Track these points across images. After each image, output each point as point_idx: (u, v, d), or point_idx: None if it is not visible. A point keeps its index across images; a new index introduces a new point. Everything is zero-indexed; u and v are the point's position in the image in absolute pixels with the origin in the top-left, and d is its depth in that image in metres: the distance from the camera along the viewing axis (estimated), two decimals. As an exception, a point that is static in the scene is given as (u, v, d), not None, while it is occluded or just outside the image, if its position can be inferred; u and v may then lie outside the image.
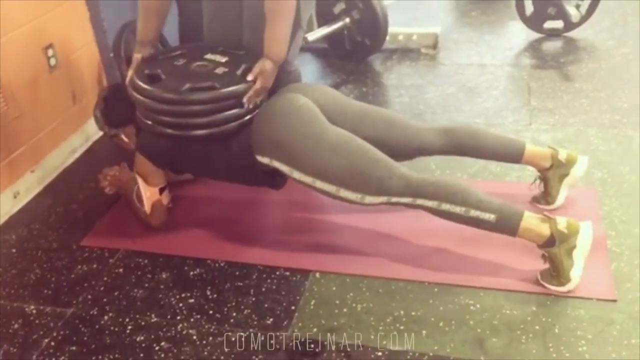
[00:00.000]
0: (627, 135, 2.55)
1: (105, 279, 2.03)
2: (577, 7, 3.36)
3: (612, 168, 2.34)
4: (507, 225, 1.80)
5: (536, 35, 3.55)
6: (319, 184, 1.90)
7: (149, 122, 2.03)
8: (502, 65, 3.28)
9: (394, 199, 1.87)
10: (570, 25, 3.48)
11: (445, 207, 1.82)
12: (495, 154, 2.14)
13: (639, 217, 2.08)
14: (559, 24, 3.51)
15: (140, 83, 1.99)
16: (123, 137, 2.24)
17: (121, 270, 2.06)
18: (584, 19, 3.43)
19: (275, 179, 2.09)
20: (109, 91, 2.28)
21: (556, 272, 1.78)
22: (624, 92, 2.89)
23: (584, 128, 2.63)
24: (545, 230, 1.77)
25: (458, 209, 1.81)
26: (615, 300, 1.76)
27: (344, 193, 1.89)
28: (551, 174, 2.10)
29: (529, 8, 3.52)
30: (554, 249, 1.76)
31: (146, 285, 1.98)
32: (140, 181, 2.13)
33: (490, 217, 1.79)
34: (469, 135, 2.13)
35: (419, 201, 1.85)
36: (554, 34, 3.54)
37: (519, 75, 3.16)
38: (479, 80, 3.13)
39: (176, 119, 1.98)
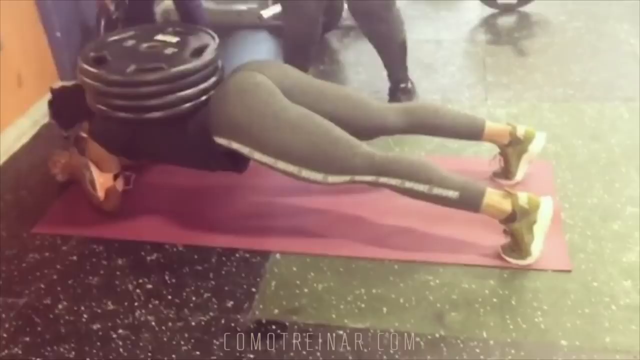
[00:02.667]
0: (580, 109, 2.59)
1: (58, 267, 1.97)
2: (530, -19, 3.39)
3: (565, 141, 2.39)
4: (470, 202, 1.81)
5: (491, 10, 3.57)
6: (281, 164, 1.87)
7: (101, 107, 1.97)
8: (458, 41, 3.29)
9: (357, 178, 1.86)
10: (523, 0, 3.51)
11: (409, 184, 1.82)
12: (456, 132, 2.15)
13: (591, 189, 2.13)
14: (513, -2, 3.54)
15: (86, 66, 1.93)
16: (83, 134, 2.16)
17: (75, 257, 2.00)
18: (537, -7, 3.47)
19: (237, 161, 2.04)
20: (53, 95, 2.24)
21: (517, 246, 1.81)
22: (576, 66, 2.94)
23: (538, 102, 2.67)
24: (507, 206, 1.79)
25: (421, 187, 1.81)
26: (569, 271, 1.80)
27: (307, 173, 1.86)
28: (510, 150, 2.12)
29: (484, -17, 3.53)
30: (515, 224, 1.79)
31: (101, 272, 1.93)
32: (93, 168, 2.07)
33: (453, 194, 1.80)
34: (430, 114, 2.13)
35: (382, 179, 1.84)
36: (508, 8, 3.56)
37: (475, 51, 3.18)
38: (435, 56, 3.14)
39: (126, 102, 1.93)
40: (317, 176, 1.86)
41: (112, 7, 2.75)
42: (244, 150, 1.89)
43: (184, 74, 1.90)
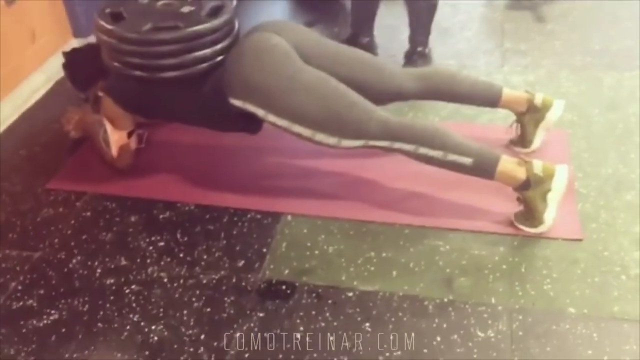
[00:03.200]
0: (597, 77, 2.55)
1: (72, 222, 1.99)
2: (553, -55, 3.29)
3: (581, 110, 2.36)
4: (484, 168, 1.80)
5: (511, -26, 3.49)
6: (295, 127, 1.86)
7: (116, 64, 1.96)
8: (476, 5, 3.23)
9: (372, 142, 1.85)
10: (545, -35, 3.42)
11: (423, 150, 1.81)
12: (473, 98, 2.12)
13: (606, 159, 2.11)
14: (534, -37, 3.45)
15: (102, 22, 1.92)
16: (99, 93, 2.15)
17: (88, 213, 2.02)
18: (559, -42, 3.38)
19: (251, 122, 2.03)
20: (66, 58, 2.25)
21: (530, 214, 1.81)
22: (596, 33, 2.88)
23: (555, 70, 2.63)
24: (521, 173, 1.78)
25: (436, 153, 1.80)
26: (580, 240, 1.80)
27: (321, 136, 1.85)
28: (527, 118, 2.10)
29: (505, -54, 3.44)
30: (529, 192, 1.78)
31: (114, 228, 1.96)
32: (107, 124, 2.07)
33: (467, 160, 1.79)
34: (446, 79, 2.10)
35: (397, 144, 1.83)
36: (528, -27, 3.48)
37: (493, 16, 3.12)
38: (452, 20, 3.08)
39: (141, 60, 1.92)
40: (331, 140, 1.85)
41: None
42: (259, 112, 1.88)
43: (200, 34, 1.88)
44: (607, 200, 1.93)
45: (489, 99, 2.11)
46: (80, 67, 2.24)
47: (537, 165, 1.78)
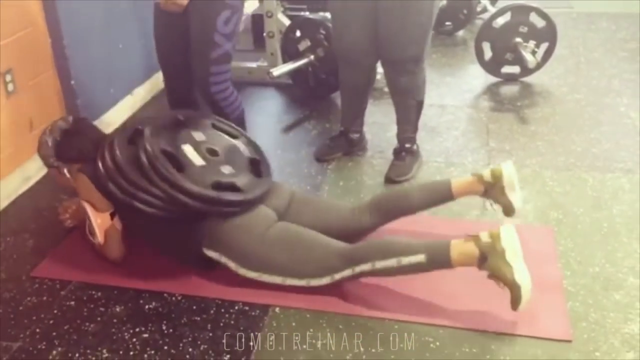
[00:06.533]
0: (581, 178, 2.63)
1: (55, 311, 1.95)
2: (533, 53, 3.49)
3: (567, 209, 2.40)
4: (439, 259, 1.83)
5: (494, 79, 3.67)
6: (265, 277, 1.96)
7: (112, 188, 2.00)
8: (462, 106, 3.37)
9: (337, 276, 1.92)
10: (526, 71, 3.60)
11: (379, 264, 1.86)
12: (428, 201, 2.19)
13: (593, 257, 2.13)
14: (515, 69, 3.64)
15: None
16: (65, 171, 2.17)
17: (72, 303, 1.98)
18: (540, 65, 3.57)
19: (211, 265, 2.06)
20: (71, 125, 2.23)
21: (504, 284, 1.78)
22: (577, 136, 2.99)
23: (540, 170, 2.70)
24: (473, 248, 1.80)
25: (390, 262, 1.85)
26: (570, 341, 1.78)
27: (291, 281, 1.95)
28: (492, 194, 2.16)
29: (488, 53, 3.64)
30: (490, 262, 1.78)
31: (98, 319, 1.91)
32: (88, 208, 2.04)
33: (421, 257, 1.82)
34: (395, 199, 2.20)
35: (357, 269, 1.89)
36: (511, 78, 3.66)
37: (478, 117, 3.24)
38: (439, 120, 3.20)
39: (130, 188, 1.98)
40: (301, 282, 1.95)
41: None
42: (231, 264, 1.98)
43: (201, 198, 1.95)
44: (595, 299, 1.94)
45: (442, 195, 2.18)
46: (76, 139, 2.20)
47: (483, 235, 1.82)
